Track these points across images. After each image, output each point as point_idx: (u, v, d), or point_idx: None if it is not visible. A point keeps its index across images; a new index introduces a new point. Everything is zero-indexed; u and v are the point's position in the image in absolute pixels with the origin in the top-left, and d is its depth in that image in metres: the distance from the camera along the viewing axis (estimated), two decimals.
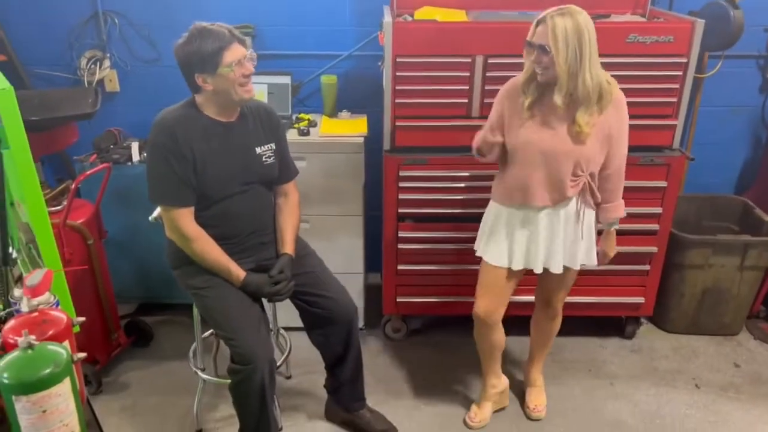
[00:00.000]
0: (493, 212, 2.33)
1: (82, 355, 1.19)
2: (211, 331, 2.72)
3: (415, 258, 2.89)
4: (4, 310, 1.50)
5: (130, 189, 2.90)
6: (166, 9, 3.07)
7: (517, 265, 2.30)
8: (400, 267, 2.91)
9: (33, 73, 3.19)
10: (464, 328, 2.80)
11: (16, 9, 3.09)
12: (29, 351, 1.11)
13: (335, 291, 2.33)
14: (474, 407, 2.63)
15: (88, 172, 2.56)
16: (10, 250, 1.73)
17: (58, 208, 2.57)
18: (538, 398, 2.67)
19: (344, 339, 2.36)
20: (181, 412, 2.65)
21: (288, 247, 2.29)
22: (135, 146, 2.98)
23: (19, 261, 1.73)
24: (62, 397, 1.12)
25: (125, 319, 3.04)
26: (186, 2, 3.05)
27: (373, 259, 3.22)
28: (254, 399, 2.12)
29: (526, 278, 2.46)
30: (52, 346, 1.15)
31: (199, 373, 2.52)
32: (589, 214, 2.29)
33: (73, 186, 2.52)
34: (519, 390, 2.76)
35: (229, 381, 2.18)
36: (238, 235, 2.22)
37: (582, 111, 2.08)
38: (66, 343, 1.20)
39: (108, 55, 3.16)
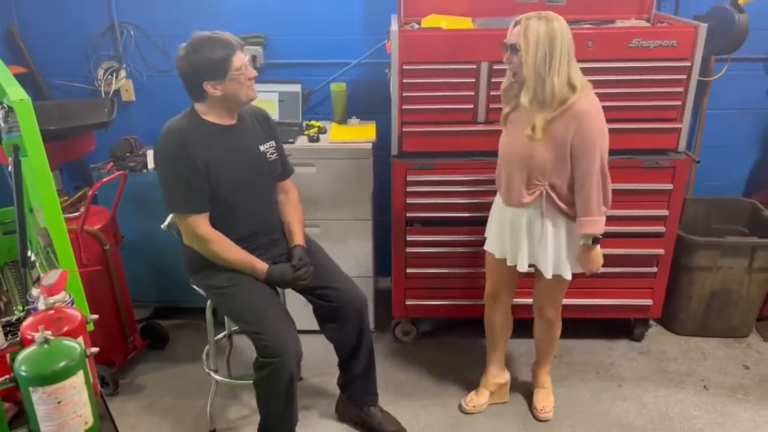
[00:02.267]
0: (495, 202, 2.46)
1: (95, 349, 1.25)
2: (224, 333, 2.79)
3: (424, 261, 2.94)
4: (23, 309, 1.57)
5: (145, 195, 2.99)
6: (180, 20, 3.16)
7: (496, 253, 2.42)
8: (409, 270, 2.95)
9: (52, 84, 3.29)
10: (473, 330, 2.85)
11: (36, 22, 3.20)
12: (45, 345, 1.17)
13: (344, 282, 2.41)
14: (472, 393, 2.71)
15: (105, 180, 2.64)
16: (29, 253, 1.80)
17: (76, 214, 2.65)
18: (545, 400, 2.70)
19: (357, 330, 2.42)
20: (195, 413, 2.71)
21: (298, 239, 2.38)
22: (150, 154, 3.06)
23: (37, 264, 1.81)
24: (76, 389, 1.18)
25: (141, 323, 3.12)
26: (199, 13, 3.14)
27: (382, 263, 3.27)
28: (281, 393, 2.18)
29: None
30: (67, 341, 1.21)
31: (212, 374, 2.58)
32: (558, 225, 2.27)
33: (90, 193, 2.60)
34: (527, 391, 2.79)
35: (243, 381, 2.24)
36: (252, 234, 2.30)
37: (541, 114, 2.12)
38: (80, 339, 1.26)
39: (124, 65, 3.25)
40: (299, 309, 2.49)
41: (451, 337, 3.20)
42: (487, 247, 2.48)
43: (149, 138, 3.25)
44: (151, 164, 3.03)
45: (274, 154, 2.34)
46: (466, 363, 2.98)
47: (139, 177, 2.98)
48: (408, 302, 3.02)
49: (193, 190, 2.14)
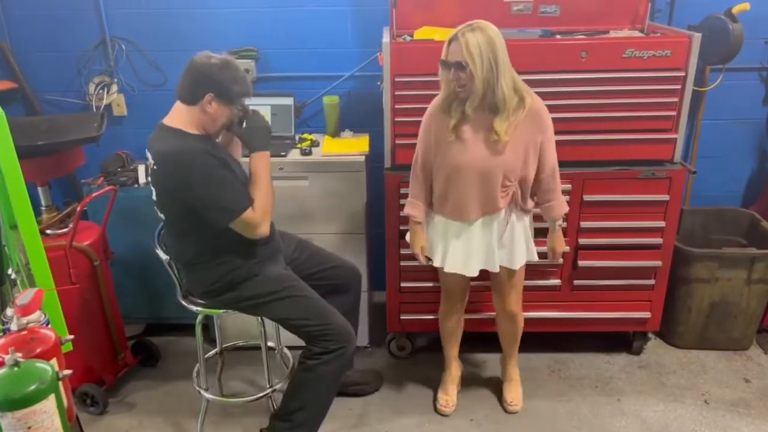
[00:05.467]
0: (434, 221, 2.45)
1: (68, 372, 1.21)
2: (215, 350, 2.75)
3: (418, 275, 2.89)
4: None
5: (136, 210, 2.95)
6: (171, 35, 3.14)
7: (450, 268, 2.43)
8: (403, 284, 2.91)
9: (44, 99, 3.27)
10: (469, 344, 2.81)
11: (27, 37, 3.18)
12: (15, 368, 1.14)
13: (337, 260, 2.58)
14: (442, 395, 2.76)
15: (93, 195, 2.61)
16: (9, 271, 1.77)
17: (65, 230, 2.62)
18: (514, 392, 2.76)
19: (351, 305, 2.59)
20: None
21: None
22: (141, 169, 3.03)
23: (18, 281, 1.77)
24: (47, 413, 1.14)
25: (132, 340, 3.07)
26: (191, 28, 3.13)
27: (376, 277, 3.22)
28: (341, 376, 2.33)
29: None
30: (39, 364, 1.17)
31: (203, 392, 2.54)
32: (521, 219, 2.39)
33: (79, 208, 2.57)
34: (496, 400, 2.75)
35: (234, 400, 2.19)
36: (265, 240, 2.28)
37: (499, 119, 2.17)
38: (53, 361, 1.22)
39: (115, 80, 3.24)
40: None
41: None
42: (446, 267, 2.43)
43: (141, 152, 3.20)
44: (142, 179, 3.00)
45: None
46: (462, 379, 2.92)
47: (130, 192, 2.95)
48: (403, 317, 2.98)
49: (241, 185, 2.17)
